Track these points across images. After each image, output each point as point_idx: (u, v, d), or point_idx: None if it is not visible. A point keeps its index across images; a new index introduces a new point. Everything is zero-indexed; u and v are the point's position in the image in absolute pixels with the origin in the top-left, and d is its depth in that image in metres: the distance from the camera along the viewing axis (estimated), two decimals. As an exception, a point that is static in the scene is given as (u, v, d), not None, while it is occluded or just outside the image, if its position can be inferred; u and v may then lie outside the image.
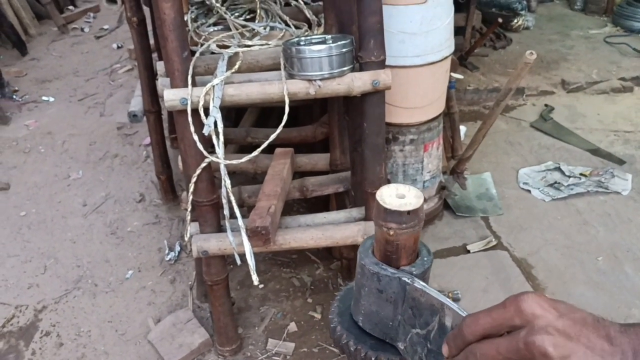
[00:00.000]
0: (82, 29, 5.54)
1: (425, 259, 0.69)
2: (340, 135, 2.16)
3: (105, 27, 5.55)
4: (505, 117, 3.55)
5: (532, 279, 2.30)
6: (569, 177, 2.90)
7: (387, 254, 0.67)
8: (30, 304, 2.33)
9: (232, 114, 2.82)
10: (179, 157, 2.02)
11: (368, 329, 0.72)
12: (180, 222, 2.73)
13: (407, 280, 0.66)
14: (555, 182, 2.87)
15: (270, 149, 2.10)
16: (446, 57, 2.28)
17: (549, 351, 0.48)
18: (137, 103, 3.10)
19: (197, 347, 2.03)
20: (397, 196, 0.66)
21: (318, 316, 2.19)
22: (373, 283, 0.68)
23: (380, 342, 0.71)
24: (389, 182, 1.87)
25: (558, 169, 2.97)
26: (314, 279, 2.37)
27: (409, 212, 0.64)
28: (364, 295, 0.70)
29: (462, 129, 3.14)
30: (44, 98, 4.11)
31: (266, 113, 2.77)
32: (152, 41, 2.65)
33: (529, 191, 2.84)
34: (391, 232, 0.66)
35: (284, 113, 1.61)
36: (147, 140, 3.27)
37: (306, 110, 2.72)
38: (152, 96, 2.62)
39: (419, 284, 0.65)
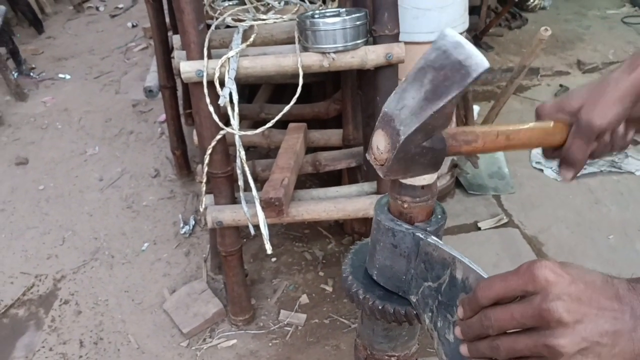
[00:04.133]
0: (97, 8, 5.58)
1: (440, 217, 0.72)
2: (353, 111, 2.18)
3: (120, 5, 5.58)
4: (519, 97, 3.53)
5: (542, 255, 2.32)
6: (582, 156, 2.89)
7: (401, 217, 0.70)
8: (50, 274, 2.39)
9: (246, 90, 2.85)
10: (194, 132, 2.06)
11: (382, 283, 0.74)
12: (195, 197, 2.77)
13: (420, 235, 0.68)
14: (568, 162, 2.87)
15: (283, 125, 2.14)
16: (460, 34, 2.27)
17: (563, 317, 0.50)
18: (152, 79, 3.14)
19: (211, 316, 2.09)
20: None
21: (329, 289, 2.23)
22: (388, 238, 0.70)
23: (389, 293, 0.74)
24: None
25: (571, 148, 2.96)
26: (325, 253, 2.40)
27: (423, 187, 0.67)
28: (378, 250, 0.72)
29: (476, 108, 3.13)
30: (60, 75, 4.17)
31: (280, 90, 2.79)
32: (167, 19, 2.67)
33: (542, 170, 2.85)
34: (405, 205, 0.68)
35: (297, 90, 1.63)
36: (162, 117, 3.31)
37: (319, 87, 2.74)
38: (168, 72, 2.65)
39: (432, 239, 0.68)
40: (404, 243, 0.69)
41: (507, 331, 0.55)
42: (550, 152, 0.77)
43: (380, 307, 0.72)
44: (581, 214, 2.54)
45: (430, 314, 0.68)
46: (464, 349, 0.59)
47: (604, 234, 2.42)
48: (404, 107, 0.63)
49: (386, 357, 0.84)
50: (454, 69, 0.59)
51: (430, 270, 0.68)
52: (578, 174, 0.76)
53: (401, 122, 0.63)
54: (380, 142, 0.65)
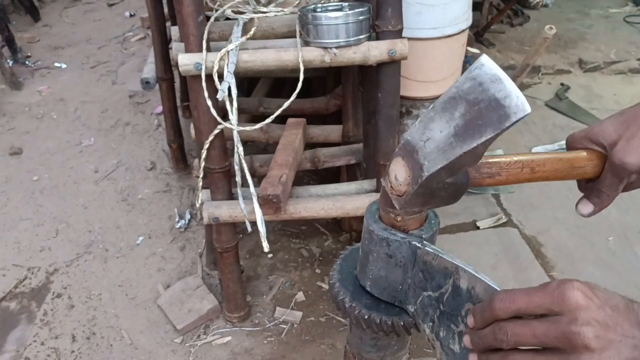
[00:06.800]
0: (94, -3, 5.51)
1: (433, 222, 0.69)
2: (353, 107, 2.15)
3: (118, -6, 5.51)
4: (520, 95, 3.50)
5: (541, 257, 2.30)
6: (583, 157, 2.87)
7: (394, 227, 0.68)
8: (42, 267, 2.36)
9: (245, 84, 2.81)
10: (191, 125, 2.02)
11: (376, 293, 0.71)
12: (191, 191, 2.74)
13: (417, 244, 0.65)
14: (568, 162, 2.84)
15: (282, 120, 2.10)
16: (463, 31, 2.25)
17: (591, 344, 0.49)
18: (150, 70, 3.09)
19: (205, 312, 2.06)
20: None
21: (326, 287, 2.20)
22: (382, 248, 0.67)
23: (377, 302, 0.71)
24: (401, 154, 1.86)
25: (572, 148, 2.94)
26: (322, 251, 2.38)
27: None
28: (372, 261, 0.69)
29: (476, 105, 3.11)
30: (57, 64, 4.11)
31: (279, 84, 2.76)
32: (165, 9, 2.62)
33: (541, 170, 2.82)
34: (399, 219, 0.65)
35: (297, 84, 1.60)
36: (159, 108, 3.27)
37: (319, 81, 2.70)
38: (165, 63, 2.61)
39: (431, 247, 0.65)
40: (400, 253, 0.66)
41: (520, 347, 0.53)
42: (583, 184, 0.76)
43: (366, 317, 0.69)
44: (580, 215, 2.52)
45: (431, 323, 0.65)
46: (473, 359, 0.57)
47: (604, 236, 2.40)
48: (430, 139, 0.58)
49: None
50: (491, 107, 0.53)
51: (429, 280, 0.65)
52: (598, 212, 0.75)
53: (425, 155, 0.58)
54: (400, 172, 0.60)
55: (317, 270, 2.28)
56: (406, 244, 0.66)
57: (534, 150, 2.95)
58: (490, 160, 0.67)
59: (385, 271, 0.68)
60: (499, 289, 0.57)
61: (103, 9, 5.23)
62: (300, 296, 2.17)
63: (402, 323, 0.70)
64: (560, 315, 0.51)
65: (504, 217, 2.51)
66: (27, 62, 4.11)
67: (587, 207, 0.75)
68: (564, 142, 2.74)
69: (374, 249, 0.68)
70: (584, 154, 0.72)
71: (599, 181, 0.73)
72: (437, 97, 2.39)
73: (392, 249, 0.66)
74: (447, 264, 0.62)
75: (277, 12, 1.76)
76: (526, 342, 0.52)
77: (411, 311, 0.69)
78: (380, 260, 0.68)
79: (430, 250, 0.64)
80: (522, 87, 3.55)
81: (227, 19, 1.78)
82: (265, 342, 2.00)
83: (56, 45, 4.47)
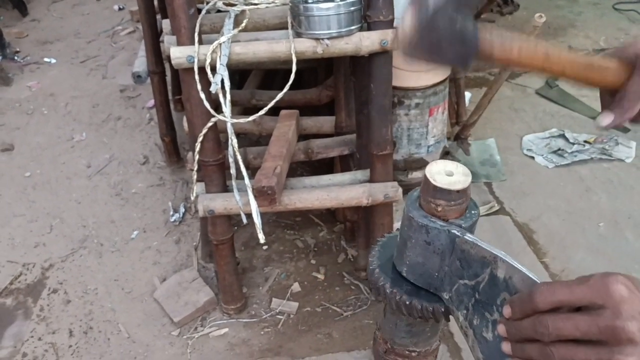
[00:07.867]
0: (82, -10, 5.45)
1: (473, 212, 0.70)
2: (345, 98, 2.15)
3: (106, -12, 5.45)
4: (510, 83, 3.52)
5: (533, 243, 2.33)
6: (573, 144, 2.89)
7: (434, 216, 0.69)
8: (37, 262, 2.36)
9: (236, 76, 2.80)
10: (184, 119, 2.03)
11: (412, 279, 0.73)
12: (185, 184, 2.74)
13: (457, 233, 0.67)
14: (559, 149, 2.87)
15: (275, 112, 2.10)
16: (454, 20, 2.25)
17: (635, 337, 0.49)
18: (141, 64, 3.08)
19: (202, 305, 2.07)
20: (446, 173, 0.67)
21: (321, 277, 2.22)
22: (421, 235, 0.68)
23: (416, 289, 0.73)
24: (394, 144, 1.88)
25: (562, 135, 2.96)
26: (317, 241, 2.39)
27: (458, 191, 0.66)
28: (409, 247, 0.70)
29: (467, 95, 3.12)
30: (46, 59, 4.08)
31: (270, 75, 2.75)
32: (155, 1, 2.61)
33: (533, 158, 2.85)
34: (439, 209, 0.67)
35: (288, 75, 1.60)
36: (151, 102, 3.26)
37: (311, 73, 2.70)
38: (157, 57, 2.60)
39: (469, 236, 0.66)
40: (439, 240, 0.68)
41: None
42: (606, 98, 0.74)
43: (407, 303, 0.71)
44: (572, 202, 2.55)
45: (465, 311, 0.67)
46: (507, 347, 0.58)
47: (594, 222, 2.43)
48: None
49: (407, 352, 0.83)
50: None
51: (466, 268, 0.66)
52: (618, 124, 0.73)
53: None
54: (407, 17, 0.62)
55: (312, 261, 2.30)
56: (445, 232, 0.67)
57: (525, 139, 2.98)
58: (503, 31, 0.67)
59: (423, 258, 0.70)
60: (538, 280, 0.57)
61: (91, 3, 5.17)
62: (296, 287, 2.18)
63: (442, 309, 0.71)
64: (603, 309, 0.51)
65: (496, 205, 2.54)
66: (16, 58, 4.07)
67: (607, 118, 0.73)
68: (555, 129, 2.76)
69: (412, 236, 0.69)
70: (606, 58, 0.71)
71: (624, 90, 0.71)
72: (428, 87, 2.39)
73: (431, 236, 0.68)
74: (486, 254, 0.63)
75: (269, 3, 1.76)
76: (568, 335, 0.52)
77: (446, 298, 0.70)
78: (418, 247, 0.69)
79: (470, 239, 0.66)
80: (513, 75, 3.56)
81: (219, 11, 1.78)
82: (262, 332, 2.02)
83: (45, 39, 4.43)
